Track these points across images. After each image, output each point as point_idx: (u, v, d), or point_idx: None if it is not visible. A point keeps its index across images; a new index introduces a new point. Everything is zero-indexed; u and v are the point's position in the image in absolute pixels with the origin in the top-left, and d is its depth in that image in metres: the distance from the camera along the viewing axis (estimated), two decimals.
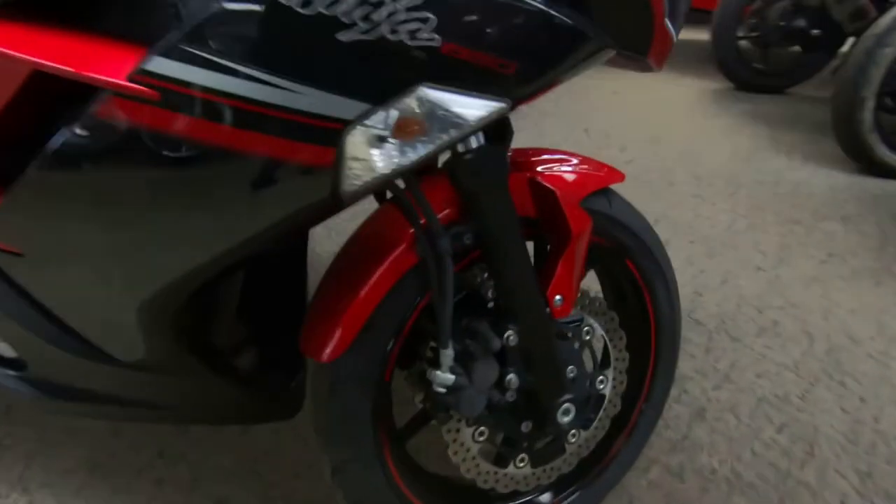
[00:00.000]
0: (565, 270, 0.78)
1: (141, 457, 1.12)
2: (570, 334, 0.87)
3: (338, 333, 0.71)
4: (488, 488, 0.90)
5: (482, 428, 0.86)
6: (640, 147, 2.41)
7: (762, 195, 2.20)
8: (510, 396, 0.84)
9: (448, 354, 0.71)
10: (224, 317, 0.84)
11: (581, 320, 0.88)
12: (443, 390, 0.73)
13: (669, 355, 1.01)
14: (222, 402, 0.84)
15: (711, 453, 1.16)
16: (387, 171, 0.57)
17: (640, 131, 2.51)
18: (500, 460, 0.89)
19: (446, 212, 0.73)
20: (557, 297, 0.79)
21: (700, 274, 1.65)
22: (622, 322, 1.06)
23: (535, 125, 2.58)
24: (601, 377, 0.93)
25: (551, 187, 0.77)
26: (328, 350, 0.71)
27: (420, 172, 0.68)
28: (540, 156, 0.84)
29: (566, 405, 0.84)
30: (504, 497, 0.94)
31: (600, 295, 0.94)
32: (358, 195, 0.59)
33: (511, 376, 0.79)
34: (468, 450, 0.86)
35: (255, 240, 0.59)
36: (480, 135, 0.68)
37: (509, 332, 0.78)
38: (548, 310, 0.79)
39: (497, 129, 0.70)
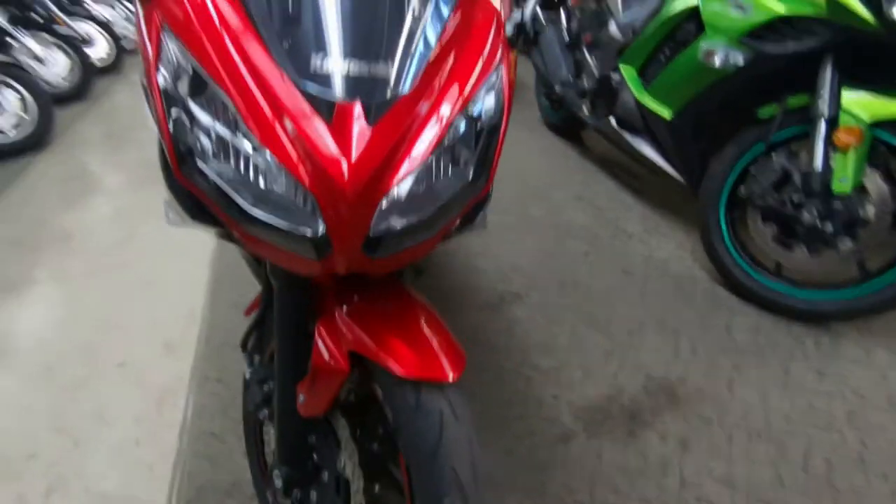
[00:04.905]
0: (311, 383, 0.84)
1: None
2: (321, 435, 0.94)
3: None
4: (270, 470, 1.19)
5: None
6: None
7: None
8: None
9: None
10: None
11: (334, 437, 0.93)
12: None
13: None
14: None
15: None
16: None
17: None
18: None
19: None
20: (301, 395, 0.87)
21: None
22: None
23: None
24: None
25: (321, 322, 0.81)
26: None
27: None
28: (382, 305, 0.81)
29: (277, 472, 0.95)
30: None
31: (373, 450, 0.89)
32: None
33: (265, 410, 1.02)
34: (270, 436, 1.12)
35: None
36: None
37: (269, 381, 1.00)
38: (293, 396, 0.88)
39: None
